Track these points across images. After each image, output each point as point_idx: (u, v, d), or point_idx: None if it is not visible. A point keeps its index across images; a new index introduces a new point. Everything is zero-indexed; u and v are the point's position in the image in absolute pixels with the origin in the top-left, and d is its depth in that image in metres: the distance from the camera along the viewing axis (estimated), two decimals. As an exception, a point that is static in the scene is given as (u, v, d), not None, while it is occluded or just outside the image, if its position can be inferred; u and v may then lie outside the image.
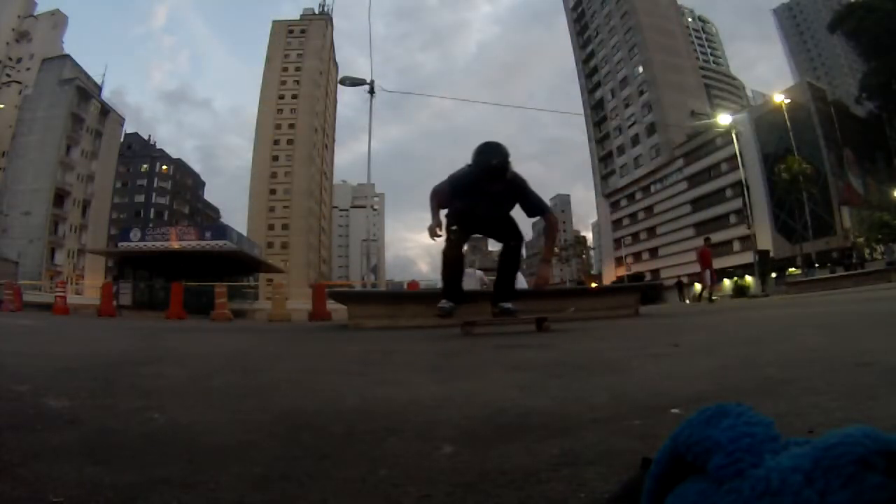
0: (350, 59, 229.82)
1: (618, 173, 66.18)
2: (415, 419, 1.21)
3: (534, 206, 4.05)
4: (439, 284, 4.55)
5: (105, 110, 58.58)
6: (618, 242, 64.58)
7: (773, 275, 32.20)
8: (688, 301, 24.07)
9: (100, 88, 60.55)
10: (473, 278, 8.71)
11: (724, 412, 0.30)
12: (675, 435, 0.31)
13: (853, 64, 60.86)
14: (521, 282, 8.75)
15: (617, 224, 66.70)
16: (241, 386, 1.75)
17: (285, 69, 73.67)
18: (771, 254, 39.68)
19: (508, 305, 4.18)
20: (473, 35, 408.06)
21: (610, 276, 60.09)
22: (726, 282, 41.38)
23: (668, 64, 59.65)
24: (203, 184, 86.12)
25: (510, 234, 4.21)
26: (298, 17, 79.16)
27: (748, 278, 37.18)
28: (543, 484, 0.77)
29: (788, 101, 33.51)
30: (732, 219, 46.36)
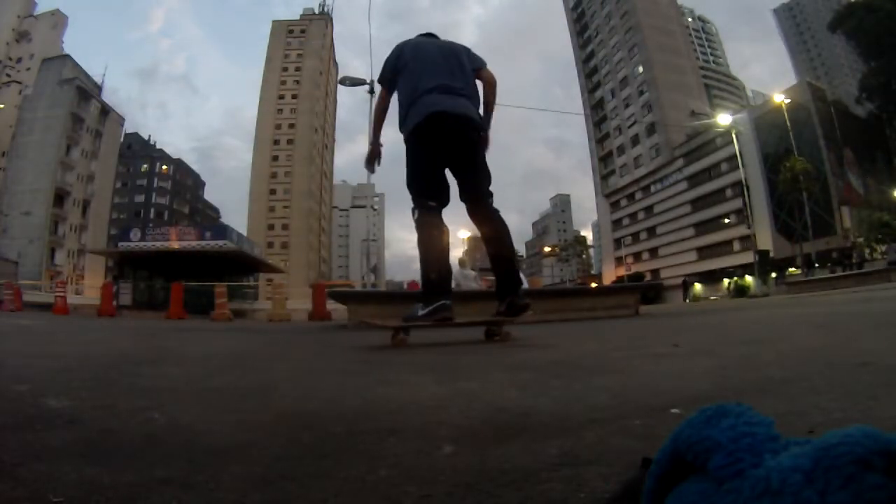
0: (345, 61, 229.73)
1: (618, 173, 66.24)
2: (415, 419, 1.21)
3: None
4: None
5: (105, 110, 58.64)
6: (618, 242, 64.61)
7: (773, 275, 32.18)
8: (687, 301, 24.08)
9: (100, 88, 60.63)
10: (470, 279, 8.70)
11: (724, 412, 0.30)
12: (675, 435, 0.31)
13: (853, 64, 60.96)
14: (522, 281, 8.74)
15: (617, 224, 66.74)
16: (241, 386, 1.74)
17: (285, 69, 73.71)
18: (771, 254, 39.64)
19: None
20: (467, 37, 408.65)
21: (610, 276, 60.10)
22: (726, 281, 41.40)
23: (668, 64, 59.70)
24: (203, 184, 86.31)
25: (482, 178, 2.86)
26: (298, 17, 79.24)
27: (748, 278, 37.21)
28: (543, 484, 0.76)
29: (788, 101, 33.54)
30: (732, 219, 46.39)
